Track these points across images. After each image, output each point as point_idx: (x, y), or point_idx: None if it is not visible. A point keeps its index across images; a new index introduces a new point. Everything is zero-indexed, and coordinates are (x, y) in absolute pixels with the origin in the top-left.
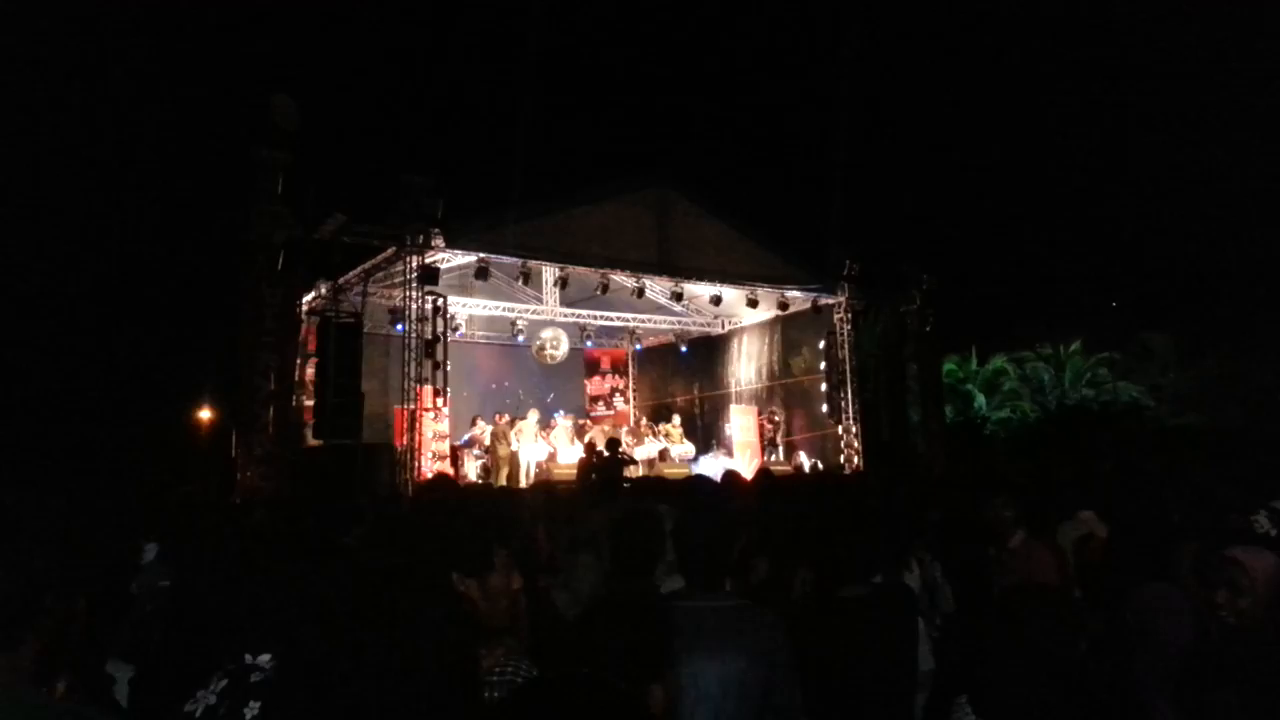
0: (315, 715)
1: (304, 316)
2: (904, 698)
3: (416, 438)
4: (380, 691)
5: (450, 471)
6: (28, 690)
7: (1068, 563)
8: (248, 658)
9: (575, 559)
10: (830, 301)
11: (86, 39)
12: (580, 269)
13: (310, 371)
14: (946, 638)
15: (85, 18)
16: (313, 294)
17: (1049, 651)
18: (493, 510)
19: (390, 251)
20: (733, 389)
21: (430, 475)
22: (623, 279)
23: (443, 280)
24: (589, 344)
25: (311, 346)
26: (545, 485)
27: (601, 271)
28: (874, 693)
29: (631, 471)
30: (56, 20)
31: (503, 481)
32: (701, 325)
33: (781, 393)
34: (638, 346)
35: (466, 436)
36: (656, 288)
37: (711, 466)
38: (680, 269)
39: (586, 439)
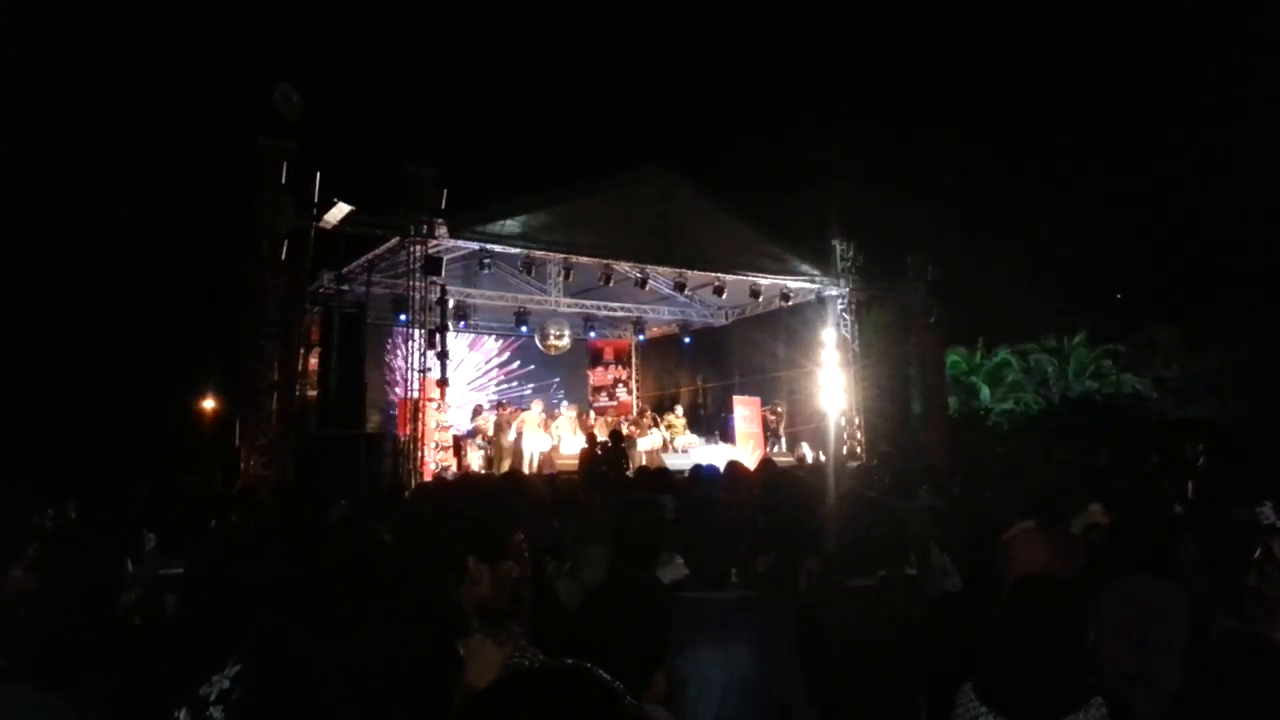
0: (294, 706)
1: (308, 306)
2: (909, 688)
3: (420, 428)
4: (353, 684)
5: (454, 462)
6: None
7: (1074, 553)
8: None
9: (585, 550)
10: (834, 292)
11: (90, 27)
12: (583, 259)
13: (314, 361)
14: (944, 622)
15: (89, 5)
16: (316, 284)
17: (1053, 643)
18: (506, 498)
19: (394, 242)
20: (736, 380)
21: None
22: (625, 269)
23: (446, 270)
24: (592, 334)
25: (315, 336)
26: (549, 475)
27: (605, 262)
28: (880, 683)
29: (633, 460)
30: (59, 7)
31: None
32: (704, 316)
33: (785, 384)
34: (641, 337)
35: (470, 426)
36: (659, 278)
37: (710, 454)
38: (683, 259)
39: (590, 430)
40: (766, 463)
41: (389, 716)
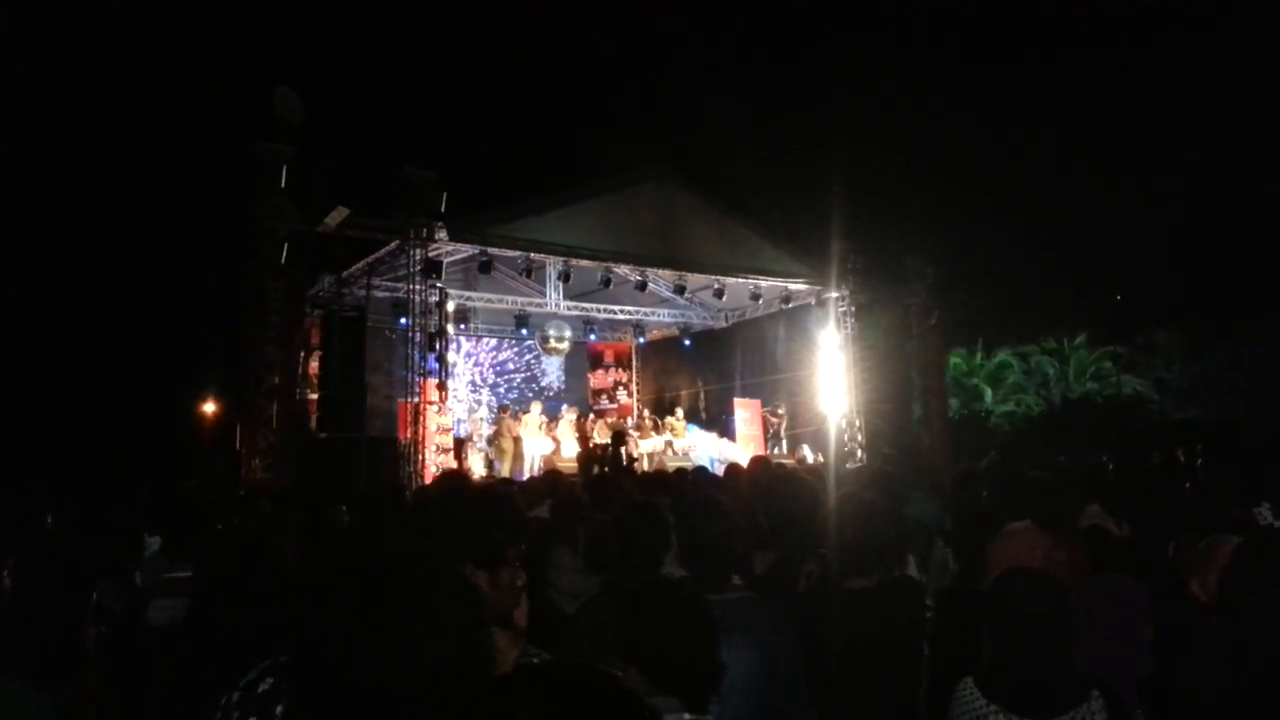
0: (334, 708)
1: (308, 310)
2: (910, 689)
3: (420, 431)
4: (393, 683)
5: (455, 465)
6: None
7: (1068, 553)
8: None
9: (551, 552)
10: (834, 294)
11: (92, 32)
12: (583, 261)
13: (314, 365)
14: (944, 620)
15: (88, 8)
16: (316, 287)
17: (1047, 634)
18: (507, 505)
19: (394, 245)
20: (737, 382)
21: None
22: (625, 272)
23: (446, 273)
24: (593, 337)
25: (315, 340)
26: (552, 476)
27: (604, 265)
28: (880, 685)
29: (635, 465)
30: (59, 11)
31: (506, 475)
32: (705, 319)
33: (785, 386)
34: (641, 340)
35: (469, 429)
36: (660, 281)
37: (703, 443)
38: (683, 262)
39: (589, 432)
40: (760, 460)
41: (434, 715)
